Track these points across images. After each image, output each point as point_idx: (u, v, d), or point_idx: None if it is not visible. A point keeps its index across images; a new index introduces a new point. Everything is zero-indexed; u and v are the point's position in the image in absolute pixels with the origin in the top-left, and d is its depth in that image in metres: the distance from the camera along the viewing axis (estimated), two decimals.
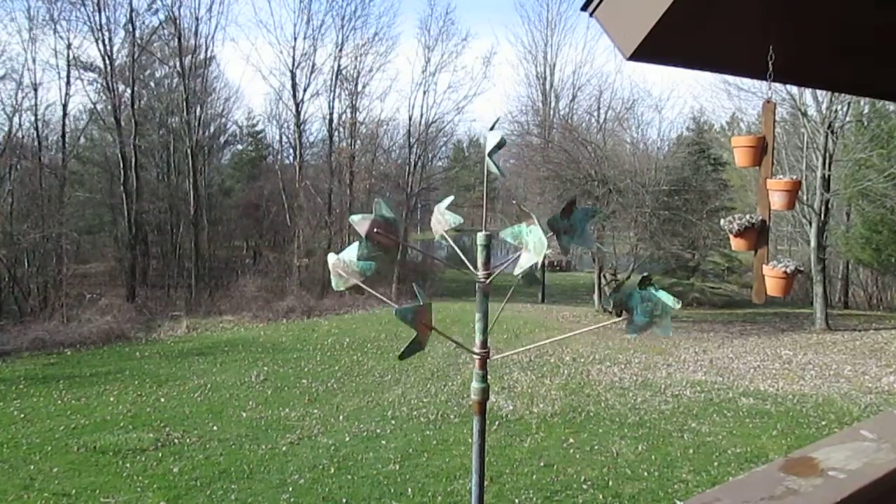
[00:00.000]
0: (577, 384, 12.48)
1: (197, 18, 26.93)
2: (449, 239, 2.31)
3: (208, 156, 29.21)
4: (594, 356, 14.91)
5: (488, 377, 1.90)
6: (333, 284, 2.03)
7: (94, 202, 28.92)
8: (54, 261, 22.38)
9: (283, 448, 9.00)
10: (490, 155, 1.95)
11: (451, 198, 2.25)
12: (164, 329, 19.20)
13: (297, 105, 28.77)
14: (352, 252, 1.99)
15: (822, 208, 20.84)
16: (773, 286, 1.92)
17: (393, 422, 10.15)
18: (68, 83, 24.56)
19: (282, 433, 9.63)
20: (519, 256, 1.88)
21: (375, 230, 1.93)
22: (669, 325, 1.75)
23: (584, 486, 7.62)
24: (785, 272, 1.89)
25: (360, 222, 1.93)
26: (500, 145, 1.95)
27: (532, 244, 1.86)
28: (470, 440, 7.38)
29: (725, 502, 1.46)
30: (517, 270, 1.87)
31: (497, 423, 9.89)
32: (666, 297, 1.75)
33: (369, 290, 2.03)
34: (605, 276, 23.50)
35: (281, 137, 33.75)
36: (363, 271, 2.00)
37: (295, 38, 29.07)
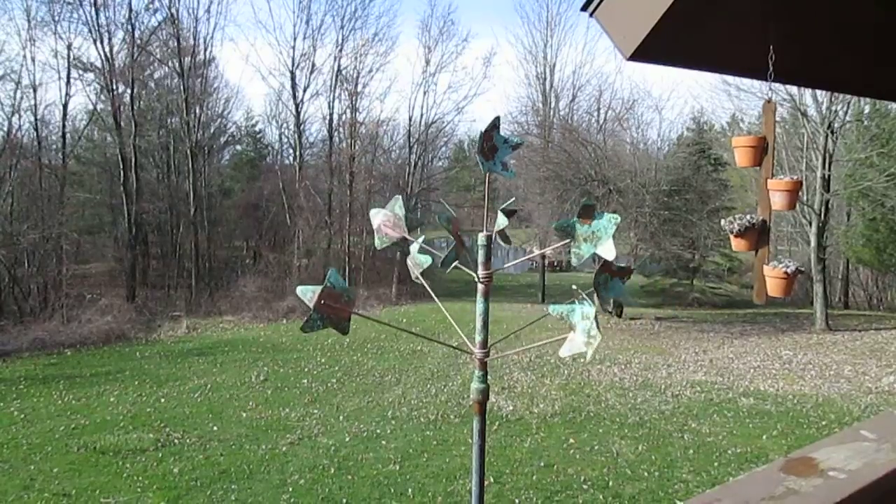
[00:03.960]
0: (577, 384, 12.48)
1: (195, 18, 27.00)
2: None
3: (208, 156, 29.20)
4: (594, 356, 14.90)
5: (488, 377, 1.90)
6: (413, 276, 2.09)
7: (94, 202, 28.91)
8: (54, 261, 22.39)
9: (284, 448, 9.00)
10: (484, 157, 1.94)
11: (422, 238, 2.13)
12: (164, 329, 19.20)
13: (296, 105, 28.80)
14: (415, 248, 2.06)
15: (822, 208, 20.83)
16: (773, 287, 1.92)
17: (393, 422, 10.15)
18: (68, 83, 24.61)
19: (282, 433, 9.63)
20: (570, 338, 1.84)
21: (384, 224, 1.99)
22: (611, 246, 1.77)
23: (585, 487, 7.62)
24: (786, 272, 1.89)
25: (374, 216, 2.04)
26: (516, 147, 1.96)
27: (579, 325, 1.82)
28: (470, 440, 7.37)
29: (726, 502, 1.45)
30: (563, 353, 1.83)
31: (497, 423, 9.90)
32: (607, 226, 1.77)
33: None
34: None
35: (281, 138, 33.82)
36: (422, 264, 2.06)
37: (294, 39, 29.22)
